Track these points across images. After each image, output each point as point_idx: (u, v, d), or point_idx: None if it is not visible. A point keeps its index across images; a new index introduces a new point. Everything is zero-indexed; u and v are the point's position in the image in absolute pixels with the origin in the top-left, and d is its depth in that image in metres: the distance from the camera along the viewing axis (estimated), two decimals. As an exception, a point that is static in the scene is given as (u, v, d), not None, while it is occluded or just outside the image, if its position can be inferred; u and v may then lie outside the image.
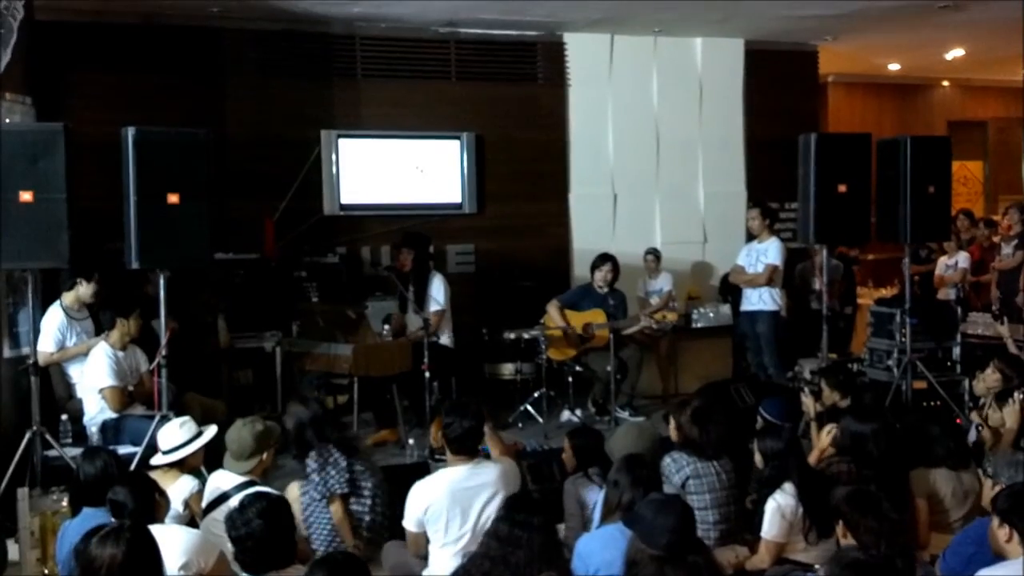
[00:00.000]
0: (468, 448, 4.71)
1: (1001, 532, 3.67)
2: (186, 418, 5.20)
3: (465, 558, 3.91)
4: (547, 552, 3.66)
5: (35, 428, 5.92)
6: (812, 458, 5.30)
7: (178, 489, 4.87)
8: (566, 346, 8.58)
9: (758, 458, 5.09)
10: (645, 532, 3.54)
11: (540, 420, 8.43)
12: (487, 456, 5.01)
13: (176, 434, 5.05)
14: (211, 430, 5.12)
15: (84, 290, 6.83)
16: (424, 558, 4.66)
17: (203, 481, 5.01)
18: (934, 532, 4.77)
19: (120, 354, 6.63)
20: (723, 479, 5.01)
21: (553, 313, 8.62)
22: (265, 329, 8.42)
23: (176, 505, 4.77)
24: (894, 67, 13.63)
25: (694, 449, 5.06)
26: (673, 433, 5.31)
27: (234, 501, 4.34)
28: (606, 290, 8.73)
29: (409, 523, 4.65)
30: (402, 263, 8.26)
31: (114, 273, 6.91)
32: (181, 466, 5.06)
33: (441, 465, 5.23)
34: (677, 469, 5.00)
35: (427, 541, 4.63)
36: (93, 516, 4.18)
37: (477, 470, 4.66)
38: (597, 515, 4.60)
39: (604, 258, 8.81)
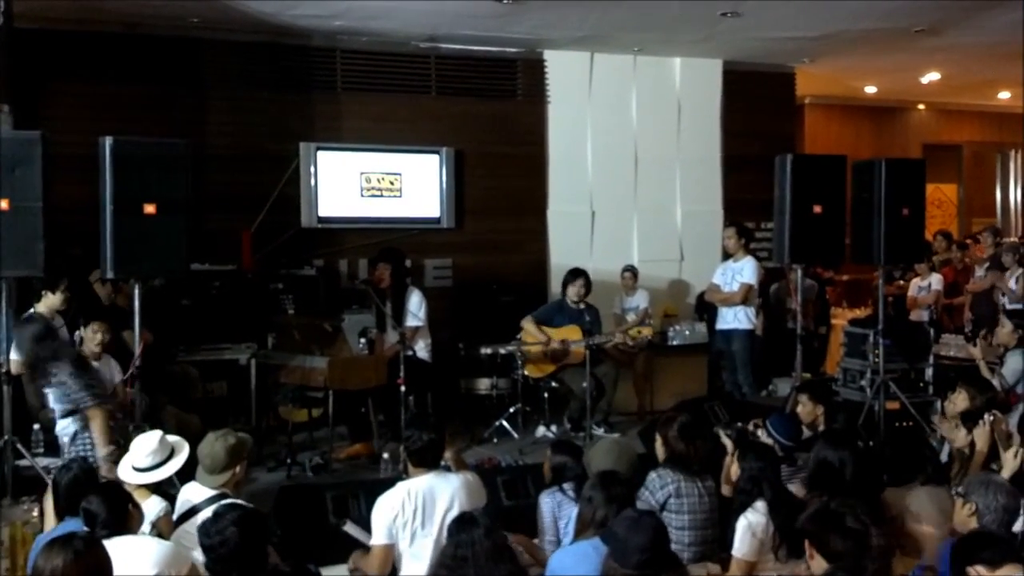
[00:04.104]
0: (429, 461, 4.72)
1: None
2: (158, 436, 5.07)
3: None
4: (493, 557, 3.66)
5: (6, 437, 5.86)
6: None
7: (147, 509, 4.82)
8: (543, 362, 8.59)
9: (735, 469, 5.09)
10: (618, 551, 3.53)
11: (515, 436, 8.43)
12: (448, 469, 5.01)
13: (151, 453, 4.95)
14: (183, 455, 5.04)
15: (51, 300, 6.75)
16: None
17: (175, 490, 4.97)
18: (909, 558, 4.72)
19: (94, 364, 6.58)
20: (705, 501, 5.00)
21: (530, 327, 8.64)
22: (240, 341, 8.40)
23: (144, 526, 4.72)
24: (871, 90, 13.77)
25: (681, 465, 5.06)
26: (660, 450, 5.28)
27: (205, 513, 4.32)
28: (582, 306, 8.75)
29: (379, 537, 4.59)
30: (379, 278, 8.25)
31: (78, 280, 6.91)
32: (151, 484, 5.01)
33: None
34: (661, 485, 4.98)
35: (393, 558, 4.60)
36: (70, 526, 4.15)
37: (439, 480, 4.68)
38: (570, 530, 4.60)
39: (576, 273, 8.85)
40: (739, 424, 6.29)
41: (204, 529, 3.82)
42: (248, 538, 3.76)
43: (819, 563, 3.72)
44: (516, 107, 10.48)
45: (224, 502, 4.38)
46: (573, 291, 8.76)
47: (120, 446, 5.27)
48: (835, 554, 3.67)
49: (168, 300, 8.13)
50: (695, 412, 7.13)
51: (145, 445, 4.97)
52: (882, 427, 7.48)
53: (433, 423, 4.81)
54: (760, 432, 5.87)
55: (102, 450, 5.22)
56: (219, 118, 9.33)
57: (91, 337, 6.56)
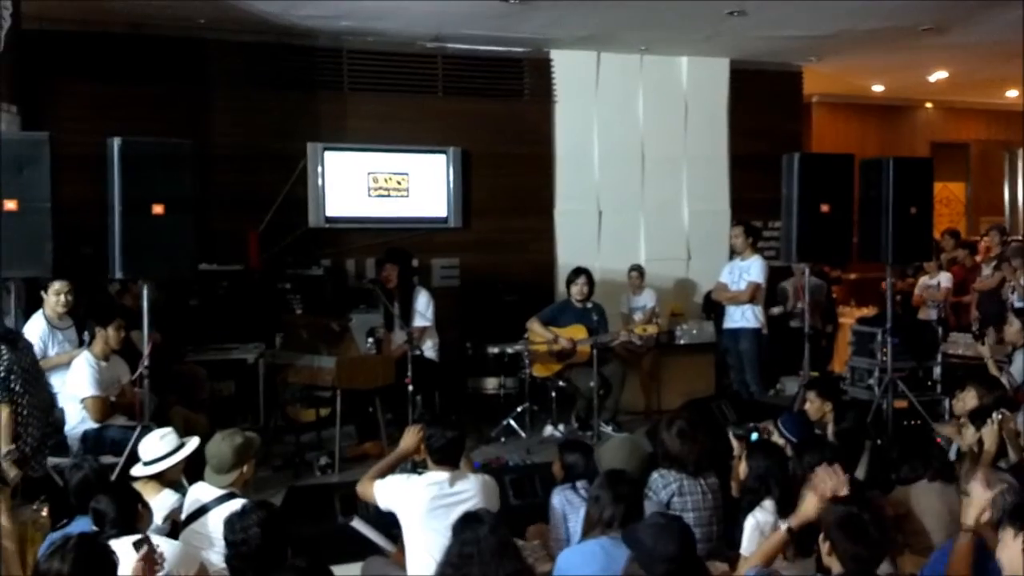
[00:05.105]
0: (450, 459, 4.70)
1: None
2: (167, 430, 5.16)
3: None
4: (498, 554, 3.65)
5: (16, 438, 5.87)
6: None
7: (160, 503, 4.84)
8: (550, 362, 8.59)
9: (743, 468, 5.08)
10: (644, 558, 3.44)
11: (523, 435, 8.44)
12: None
13: (157, 446, 5.02)
14: (192, 443, 5.10)
15: (48, 301, 6.73)
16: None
17: (184, 494, 4.98)
18: (917, 556, 4.68)
19: (103, 364, 6.60)
20: (708, 498, 4.99)
21: (536, 328, 8.63)
22: (248, 341, 8.41)
23: (157, 519, 4.74)
24: (878, 88, 13.74)
25: (680, 465, 5.07)
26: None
27: (214, 513, 4.33)
28: (588, 305, 8.75)
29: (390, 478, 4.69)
30: (387, 278, 8.27)
31: (89, 279, 6.90)
32: (162, 479, 5.03)
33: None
34: (664, 485, 4.98)
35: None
36: (80, 526, 4.17)
37: (461, 479, 4.66)
38: (578, 529, 4.59)
39: (578, 272, 8.85)
40: (751, 424, 6.30)
41: (230, 524, 3.82)
42: (270, 539, 3.77)
43: (836, 561, 3.72)
44: (523, 106, 10.48)
45: (233, 502, 4.38)
46: (576, 290, 8.77)
47: (23, 453, 5.25)
48: (852, 559, 3.67)
49: (176, 300, 8.14)
50: (702, 411, 7.14)
51: (151, 439, 5.03)
52: (890, 426, 7.46)
53: (456, 421, 4.81)
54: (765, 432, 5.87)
55: (2, 447, 5.17)
56: (225, 119, 9.35)
57: (113, 335, 6.59)
